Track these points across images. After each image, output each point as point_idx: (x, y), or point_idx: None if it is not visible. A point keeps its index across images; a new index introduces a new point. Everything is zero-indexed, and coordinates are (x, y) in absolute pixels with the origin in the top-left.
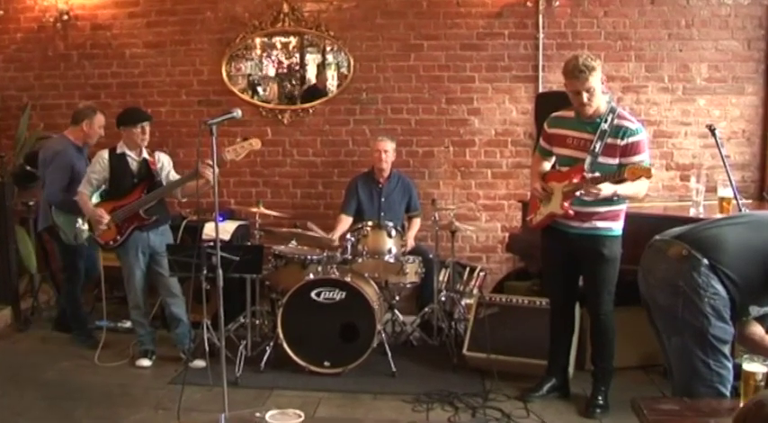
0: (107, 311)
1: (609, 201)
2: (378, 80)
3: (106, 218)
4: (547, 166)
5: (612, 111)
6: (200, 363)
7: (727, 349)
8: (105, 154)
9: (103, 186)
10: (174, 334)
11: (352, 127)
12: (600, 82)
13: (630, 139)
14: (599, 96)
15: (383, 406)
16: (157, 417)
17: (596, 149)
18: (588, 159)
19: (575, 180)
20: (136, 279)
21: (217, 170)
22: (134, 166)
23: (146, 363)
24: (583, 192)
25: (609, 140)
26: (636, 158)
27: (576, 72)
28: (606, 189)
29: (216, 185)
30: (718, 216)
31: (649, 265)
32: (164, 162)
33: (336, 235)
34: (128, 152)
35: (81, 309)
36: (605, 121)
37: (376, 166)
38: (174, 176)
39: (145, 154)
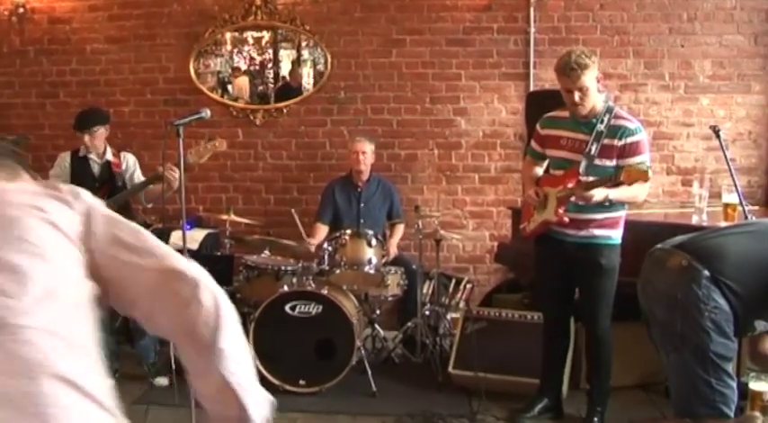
0: None
1: (606, 207)
2: (357, 78)
3: None
4: (539, 170)
5: (609, 110)
6: (162, 380)
7: (729, 367)
8: (67, 156)
9: None
10: (138, 346)
11: (330, 128)
12: (595, 80)
13: (629, 140)
14: (593, 96)
15: None
16: None
17: (592, 151)
18: (583, 162)
19: (569, 185)
20: None
21: (181, 174)
22: (96, 169)
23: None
24: (575, 197)
25: (606, 141)
26: (636, 160)
27: (567, 70)
28: (599, 194)
29: (182, 191)
30: (723, 224)
31: (648, 276)
32: (129, 163)
33: (312, 247)
34: (89, 154)
35: None
36: (602, 122)
37: (354, 169)
38: (140, 179)
39: (109, 155)
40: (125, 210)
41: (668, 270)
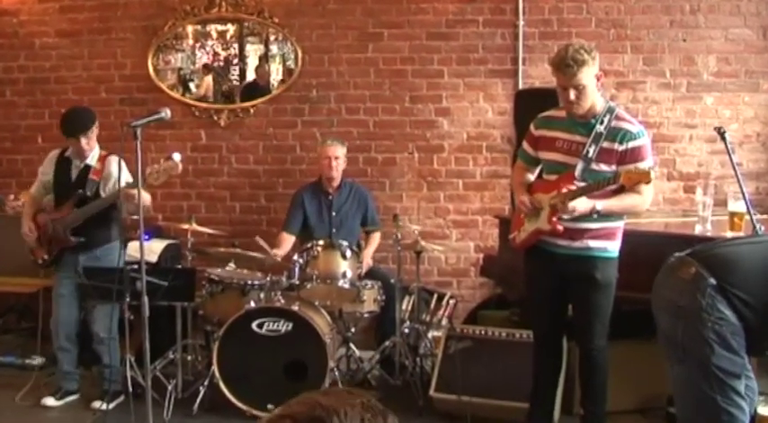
0: (14, 345)
1: (603, 216)
2: (330, 75)
3: (32, 235)
4: (530, 177)
5: (610, 111)
6: (49, 400)
7: (738, 384)
8: (54, 154)
9: None
10: (104, 368)
11: (300, 130)
12: (594, 78)
13: (630, 144)
14: (591, 95)
15: None
16: None
17: (589, 154)
18: (580, 165)
19: (564, 190)
20: (61, 309)
21: (138, 182)
22: (74, 173)
23: (51, 402)
24: (557, 208)
25: (605, 144)
26: (639, 166)
27: (561, 65)
28: (581, 205)
29: (140, 200)
30: (740, 234)
31: (658, 283)
32: (111, 169)
33: (279, 258)
34: (73, 156)
35: None
36: (601, 123)
37: (325, 175)
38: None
39: (92, 160)
40: (100, 222)
41: (677, 278)
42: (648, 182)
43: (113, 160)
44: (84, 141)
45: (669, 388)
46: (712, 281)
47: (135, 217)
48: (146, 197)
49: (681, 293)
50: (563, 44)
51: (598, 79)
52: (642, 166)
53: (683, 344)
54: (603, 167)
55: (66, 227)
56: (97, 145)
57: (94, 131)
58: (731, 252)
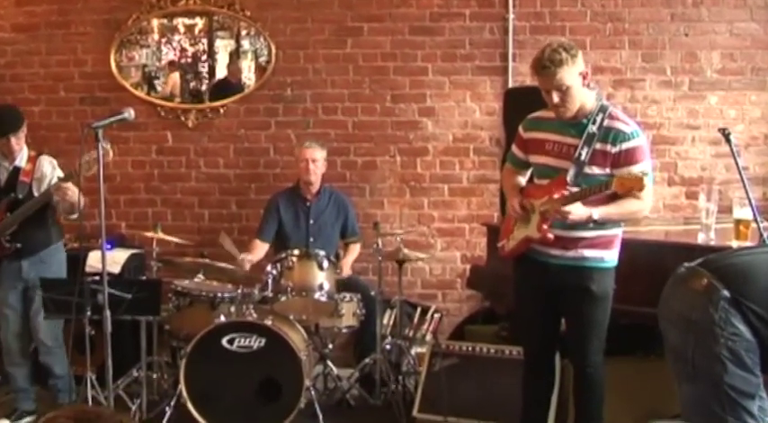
0: None
1: (599, 224)
2: (306, 72)
3: None
4: (521, 180)
5: (603, 109)
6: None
7: (752, 405)
8: None
9: None
10: (52, 384)
11: (274, 131)
12: (579, 77)
13: (624, 146)
14: (578, 95)
15: None
16: None
17: (582, 157)
18: (572, 170)
19: (555, 196)
20: (8, 321)
21: (99, 185)
22: (3, 177)
23: None
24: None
25: (597, 146)
26: (633, 169)
27: (539, 68)
28: (577, 211)
29: (102, 205)
30: (748, 243)
31: (667, 295)
32: (44, 169)
33: (247, 264)
34: (0, 159)
35: None
36: (593, 123)
37: (302, 179)
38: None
39: (21, 161)
40: (37, 225)
41: (687, 289)
42: (641, 189)
43: (45, 160)
44: (14, 141)
45: (670, 407)
46: (726, 293)
47: (71, 217)
48: (74, 191)
49: (692, 306)
50: (547, 42)
51: (584, 77)
52: (636, 169)
53: (694, 361)
54: (597, 171)
55: (1, 233)
56: (25, 145)
57: (24, 130)
58: (746, 262)
